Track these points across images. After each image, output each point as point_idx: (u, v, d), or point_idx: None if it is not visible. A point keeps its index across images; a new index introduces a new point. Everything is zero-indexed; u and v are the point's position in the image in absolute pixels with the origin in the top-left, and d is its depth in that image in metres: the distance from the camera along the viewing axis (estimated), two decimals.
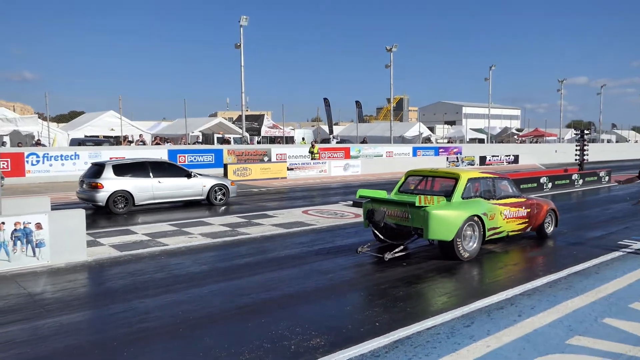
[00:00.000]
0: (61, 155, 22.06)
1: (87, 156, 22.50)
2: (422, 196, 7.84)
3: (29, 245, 7.35)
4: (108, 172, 12.92)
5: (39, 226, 7.39)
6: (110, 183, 12.81)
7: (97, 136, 33.10)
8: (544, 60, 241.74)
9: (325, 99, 44.33)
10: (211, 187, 14.62)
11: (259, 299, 6.12)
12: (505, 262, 8.20)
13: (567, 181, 20.84)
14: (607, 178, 22.77)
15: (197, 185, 14.37)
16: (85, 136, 31.70)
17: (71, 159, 22.18)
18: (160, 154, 24.27)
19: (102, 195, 12.68)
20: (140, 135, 31.82)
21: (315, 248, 9.01)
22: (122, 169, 13.25)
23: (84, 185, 13.12)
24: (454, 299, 6.18)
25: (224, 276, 7.17)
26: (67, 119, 56.79)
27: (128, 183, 13.05)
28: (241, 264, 7.90)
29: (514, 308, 5.75)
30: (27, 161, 21.01)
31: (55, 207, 9.31)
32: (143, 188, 13.27)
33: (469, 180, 8.66)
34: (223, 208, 14.11)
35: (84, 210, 8.06)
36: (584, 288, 6.50)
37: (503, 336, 4.91)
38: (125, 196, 12.97)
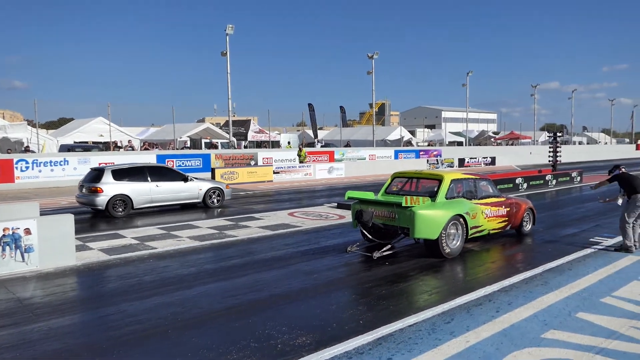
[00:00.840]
0: (50, 161, 21.95)
1: (77, 162, 22.44)
2: (408, 197, 8.11)
3: (18, 250, 7.40)
4: (107, 177, 13.18)
5: (27, 231, 7.44)
6: (110, 187, 13.07)
7: (87, 142, 32.91)
8: (518, 66, 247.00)
9: (309, 104, 44.55)
10: (207, 190, 14.96)
11: (246, 300, 6.26)
12: (483, 260, 8.44)
13: (542, 181, 21.40)
14: (579, 178, 23.43)
15: (194, 189, 14.69)
16: (75, 142, 31.51)
17: (60, 164, 22.08)
18: (148, 159, 24.24)
19: (101, 199, 12.94)
20: (129, 141, 31.72)
21: (300, 249, 9.17)
22: (121, 173, 13.50)
23: (84, 190, 13.33)
24: (435, 297, 6.39)
25: (211, 278, 7.28)
26: (57, 125, 56.11)
27: (127, 187, 13.32)
28: (228, 265, 8.03)
29: (492, 304, 5.97)
30: (16, 167, 20.87)
31: (44, 212, 9.32)
32: (141, 192, 13.55)
33: (452, 181, 8.97)
34: (210, 211, 14.19)
35: (72, 216, 8.12)
36: (558, 284, 6.76)
37: (482, 331, 5.10)
38: (124, 200, 13.23)
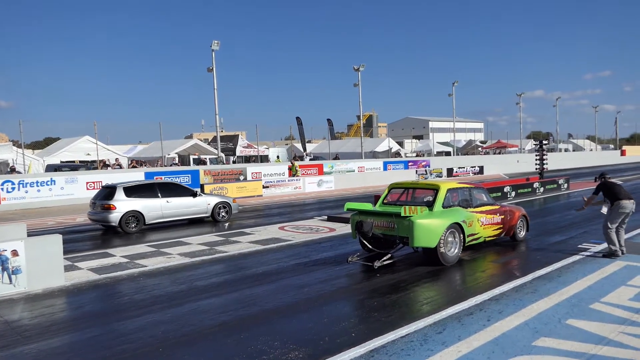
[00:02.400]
0: (37, 182, 21.72)
1: (64, 181, 22.25)
2: (407, 207, 8.25)
3: (5, 272, 7.31)
4: (120, 194, 13.49)
5: (15, 253, 7.37)
6: (122, 204, 13.39)
7: (73, 161, 32.72)
8: (504, 75, 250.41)
9: (297, 118, 44.93)
10: (215, 204, 15.33)
11: (237, 316, 6.24)
12: (473, 269, 8.49)
13: (529, 189, 21.67)
14: (565, 185, 23.73)
15: (202, 204, 15.04)
16: (61, 162, 31.30)
17: (47, 184, 21.86)
18: (137, 176, 24.12)
19: (115, 216, 13.23)
20: (117, 159, 31.55)
21: (291, 263, 9.17)
22: (132, 190, 13.84)
23: (96, 207, 13.55)
24: (426, 307, 6.41)
25: (202, 294, 7.24)
26: (43, 145, 55.77)
27: (138, 204, 13.66)
28: (219, 281, 7.99)
29: (483, 313, 6.01)
30: (2, 188, 20.59)
31: (31, 233, 9.24)
32: (153, 208, 13.90)
33: (448, 190, 9.16)
34: (203, 226, 14.14)
35: (60, 236, 8.06)
36: (547, 291, 6.82)
37: (473, 341, 5.13)
38: (137, 216, 13.57)
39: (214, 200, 15.39)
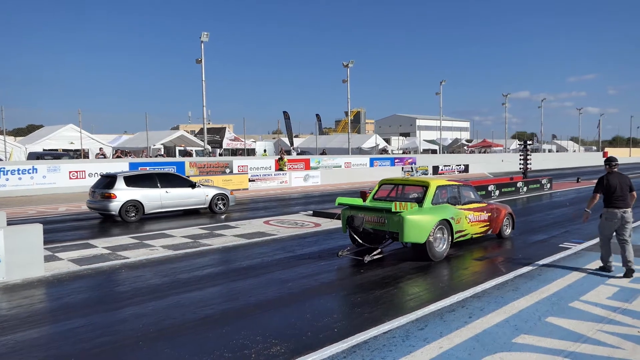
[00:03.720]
0: (18, 170, 21.37)
1: (46, 170, 21.93)
2: (398, 203, 8.36)
3: None
4: (120, 183, 13.60)
5: None
6: (123, 193, 13.50)
7: (56, 150, 32.21)
8: (491, 76, 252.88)
9: (285, 112, 44.74)
10: (213, 196, 15.46)
11: (220, 310, 6.21)
12: (457, 267, 8.56)
13: (513, 189, 21.91)
14: (548, 185, 24.05)
15: (201, 195, 15.18)
16: (44, 150, 30.80)
17: (29, 172, 21.52)
18: (121, 166, 23.89)
19: (115, 205, 13.33)
20: (100, 149, 31.14)
21: (276, 258, 9.14)
22: (132, 180, 13.96)
23: (96, 196, 13.61)
24: (409, 303, 6.44)
25: (185, 288, 7.19)
26: (25, 132, 54.83)
27: (138, 193, 13.78)
28: (202, 275, 7.94)
29: (465, 310, 6.05)
30: None
31: (11, 222, 9.09)
32: (152, 198, 14.04)
33: (438, 187, 9.29)
34: (187, 219, 14.04)
35: (40, 225, 7.93)
36: (528, 289, 6.89)
37: (455, 337, 5.16)
38: (136, 205, 13.68)
39: (212, 192, 15.53)
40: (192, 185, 15.07)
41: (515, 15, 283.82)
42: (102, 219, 14.04)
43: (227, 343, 5.09)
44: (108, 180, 13.89)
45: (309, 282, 7.49)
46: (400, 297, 6.78)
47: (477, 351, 4.81)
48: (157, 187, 14.21)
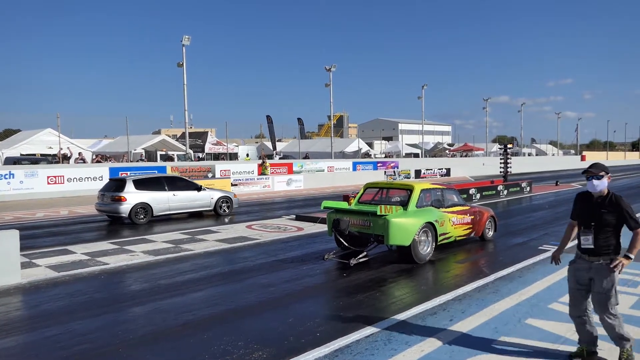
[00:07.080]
0: None
1: (23, 175, 21.54)
2: (383, 206, 8.43)
3: None
4: (129, 186, 14.01)
5: None
6: (132, 196, 13.90)
7: (34, 155, 31.61)
8: (471, 81, 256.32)
9: (267, 116, 44.69)
10: (218, 199, 16.00)
11: (201, 315, 6.15)
12: (438, 270, 8.60)
13: (494, 192, 22.23)
14: (528, 188, 24.43)
15: (206, 198, 15.75)
16: (21, 155, 30.23)
17: (5, 178, 21.09)
18: (101, 171, 23.58)
19: (125, 207, 13.73)
20: (80, 154, 30.65)
21: (258, 262, 9.10)
22: (141, 183, 14.37)
23: (105, 199, 13.86)
24: (391, 307, 6.46)
25: (166, 293, 7.11)
26: (2, 137, 53.68)
27: (147, 196, 14.21)
28: (184, 280, 7.86)
29: (446, 313, 6.09)
30: None
31: None
32: (160, 200, 14.48)
33: (422, 191, 9.40)
34: (169, 224, 13.91)
35: (17, 231, 7.78)
36: (508, 291, 6.97)
37: (436, 340, 5.18)
38: (145, 208, 14.10)
39: (216, 195, 16.02)
40: (198, 188, 15.52)
41: (495, 21, 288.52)
42: (94, 223, 13.85)
43: (209, 349, 5.04)
44: (118, 184, 14.22)
45: (292, 287, 7.47)
46: (383, 301, 6.80)
47: (458, 353, 4.85)
48: (165, 190, 14.63)
